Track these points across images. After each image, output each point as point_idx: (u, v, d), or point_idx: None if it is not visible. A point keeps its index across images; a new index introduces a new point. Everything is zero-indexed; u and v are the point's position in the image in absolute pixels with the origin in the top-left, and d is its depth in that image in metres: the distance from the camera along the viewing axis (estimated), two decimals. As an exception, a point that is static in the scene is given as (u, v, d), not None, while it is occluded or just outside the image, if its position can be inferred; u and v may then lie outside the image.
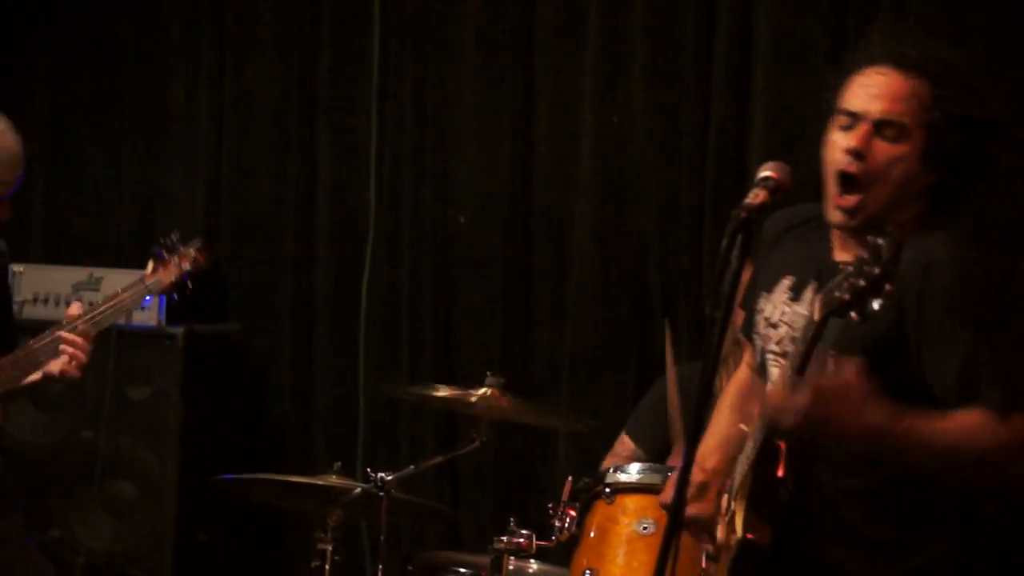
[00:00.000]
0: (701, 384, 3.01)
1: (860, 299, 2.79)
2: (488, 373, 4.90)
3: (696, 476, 3.42)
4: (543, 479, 5.92)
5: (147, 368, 6.06)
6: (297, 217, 6.55)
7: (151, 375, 6.07)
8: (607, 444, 5.28)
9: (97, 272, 6.00)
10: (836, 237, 3.35)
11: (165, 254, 4.53)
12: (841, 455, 3.10)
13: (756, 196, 3.07)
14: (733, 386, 3.64)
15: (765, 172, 3.13)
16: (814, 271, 3.33)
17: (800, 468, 3.17)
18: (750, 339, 3.52)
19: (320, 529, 5.08)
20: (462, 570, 5.01)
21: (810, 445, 3.06)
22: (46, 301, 6.04)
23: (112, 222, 6.72)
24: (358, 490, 4.96)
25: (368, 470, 5.01)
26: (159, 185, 6.73)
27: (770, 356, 3.38)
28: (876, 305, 2.78)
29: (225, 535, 6.23)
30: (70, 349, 4.20)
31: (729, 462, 3.39)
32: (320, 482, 5.04)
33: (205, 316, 6.29)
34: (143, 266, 5.95)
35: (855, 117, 3.26)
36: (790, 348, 3.24)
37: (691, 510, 3.41)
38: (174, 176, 6.72)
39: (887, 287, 2.76)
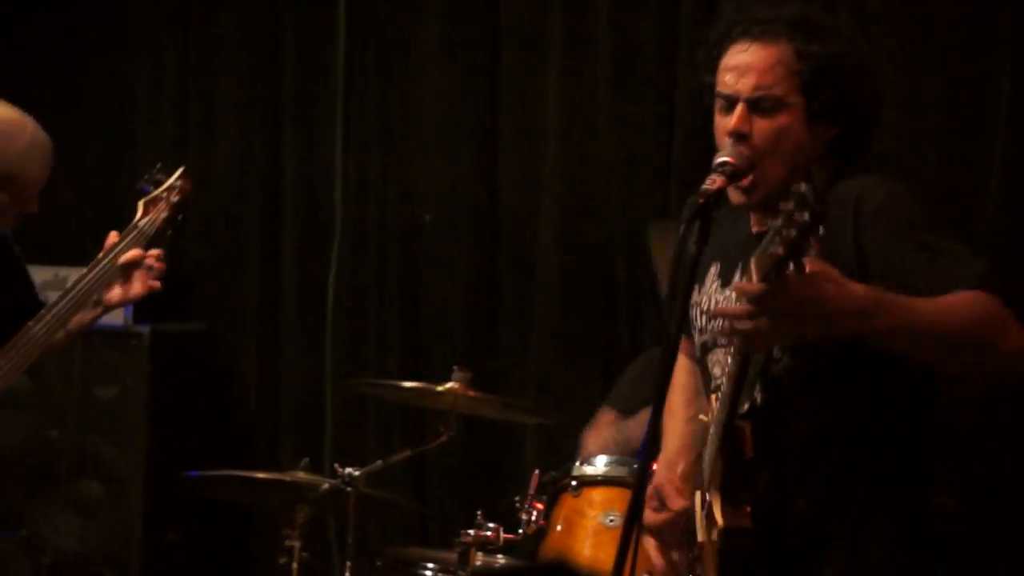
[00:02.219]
0: (660, 368, 3.02)
1: (795, 249, 2.77)
2: (455, 367, 4.91)
3: (668, 488, 3.40)
4: (510, 473, 5.94)
5: (114, 367, 6.06)
6: (263, 216, 6.55)
7: (118, 374, 6.07)
8: (574, 438, 5.30)
9: (62, 271, 5.99)
10: (753, 214, 3.31)
11: (152, 189, 4.43)
12: (832, 334, 2.98)
13: (713, 182, 3.07)
14: (677, 389, 3.57)
15: (722, 158, 3.13)
16: (737, 252, 3.29)
17: (767, 441, 3.14)
18: (688, 335, 3.47)
19: (288, 526, 5.08)
20: (430, 565, 5.02)
21: (797, 331, 2.96)
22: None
23: (75, 222, 6.70)
24: (326, 486, 4.96)
25: (336, 466, 5.02)
26: (122, 185, 6.71)
27: (720, 347, 3.31)
28: (812, 252, 2.77)
29: (193, 533, 6.24)
30: (145, 261, 4.15)
31: (695, 461, 3.36)
32: (288, 478, 5.04)
33: (171, 315, 6.29)
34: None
35: (729, 99, 3.21)
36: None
37: (656, 520, 3.40)
38: (138, 175, 6.70)
39: (819, 229, 2.74)
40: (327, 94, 6.42)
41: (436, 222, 6.25)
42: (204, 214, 6.62)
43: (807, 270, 2.86)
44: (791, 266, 2.80)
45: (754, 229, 3.29)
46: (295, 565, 5.03)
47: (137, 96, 6.75)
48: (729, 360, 3.15)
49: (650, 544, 3.43)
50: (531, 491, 4.76)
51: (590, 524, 4.63)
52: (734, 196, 3.20)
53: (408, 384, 5.12)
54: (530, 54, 6.12)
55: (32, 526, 6.03)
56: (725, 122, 3.21)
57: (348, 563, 4.99)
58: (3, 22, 6.81)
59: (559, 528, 4.69)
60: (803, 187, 2.73)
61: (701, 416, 3.36)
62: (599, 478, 4.73)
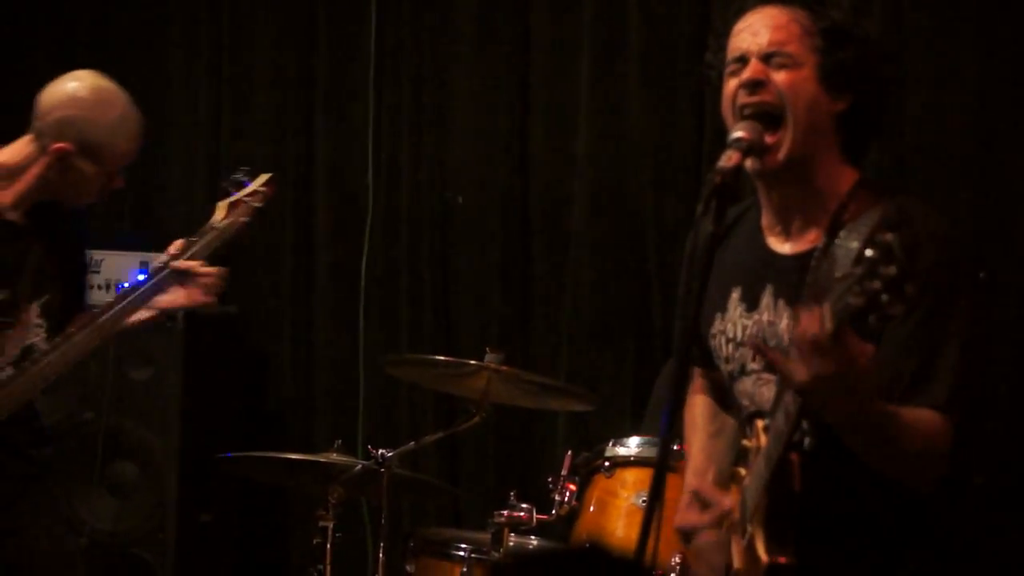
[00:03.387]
0: (680, 351, 2.98)
1: (877, 303, 2.56)
2: (487, 349, 4.91)
3: (708, 491, 3.34)
4: (543, 454, 5.94)
5: (148, 350, 6.08)
6: (296, 199, 6.57)
7: (152, 356, 6.09)
8: (605, 418, 5.30)
9: (98, 255, 6.02)
10: (765, 227, 3.23)
11: (235, 192, 4.44)
12: (837, 421, 2.95)
13: (729, 158, 2.99)
14: (698, 404, 3.53)
15: (737, 133, 3.06)
16: (760, 272, 3.21)
17: (816, 479, 3.07)
18: (705, 364, 3.40)
19: (321, 507, 5.10)
20: (463, 546, 5.02)
21: (816, 401, 2.89)
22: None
23: (112, 206, 6.72)
24: (359, 467, 4.98)
25: (368, 447, 5.04)
26: (158, 169, 6.75)
27: (751, 376, 3.24)
28: (895, 310, 2.56)
29: (227, 514, 6.26)
30: (202, 278, 4.18)
31: (723, 473, 3.31)
32: (321, 460, 5.06)
33: (205, 297, 6.31)
34: (143, 248, 6.05)
35: (742, 59, 3.15)
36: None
37: (691, 521, 3.36)
38: (173, 160, 6.75)
39: (907, 290, 2.54)
40: (360, 77, 6.44)
41: (468, 204, 6.26)
42: (238, 197, 6.64)
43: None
44: (869, 320, 2.61)
45: (771, 244, 3.22)
46: (329, 546, 5.04)
47: (171, 80, 6.78)
48: (779, 396, 3.05)
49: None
50: (564, 472, 4.76)
51: (623, 504, 4.64)
52: (753, 165, 3.10)
53: (442, 359, 5.12)
54: (562, 36, 6.11)
55: (68, 508, 6.05)
56: (732, 84, 3.15)
57: (381, 544, 5.00)
58: (42, 16, 6.84)
59: (592, 509, 4.69)
60: (889, 237, 2.55)
61: (744, 442, 3.25)
62: (632, 459, 4.73)
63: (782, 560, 3.02)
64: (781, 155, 3.10)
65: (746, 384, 3.24)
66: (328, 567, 5.04)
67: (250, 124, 6.65)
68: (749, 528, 3.10)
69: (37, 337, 4.13)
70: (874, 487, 3.10)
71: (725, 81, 3.18)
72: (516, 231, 6.19)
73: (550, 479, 4.78)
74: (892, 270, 2.54)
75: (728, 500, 3.26)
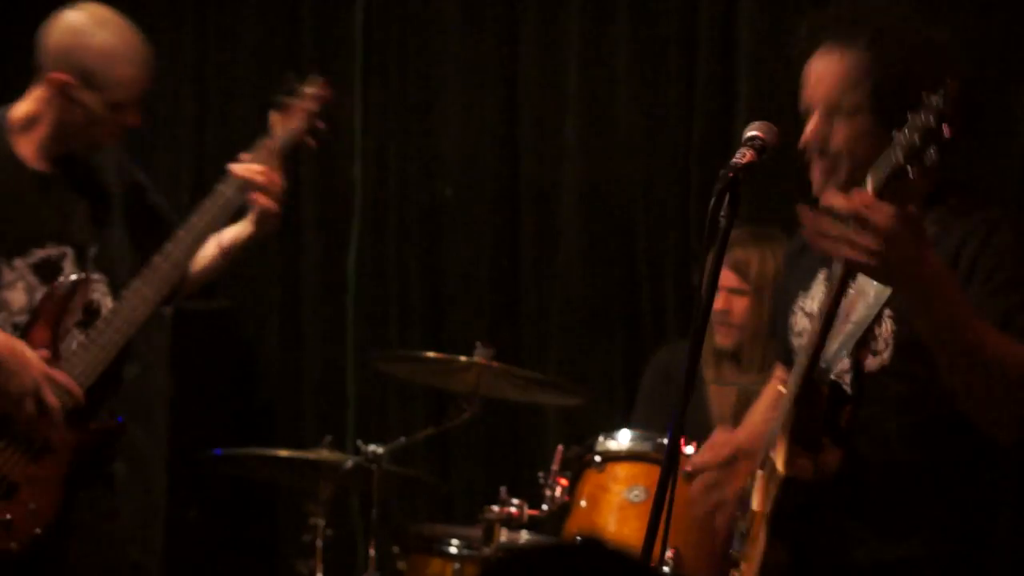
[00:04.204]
0: (692, 342, 2.99)
1: (916, 154, 2.70)
2: (478, 343, 4.90)
3: (718, 437, 3.41)
4: (533, 449, 5.93)
5: (135, 346, 6.02)
6: (283, 192, 6.53)
7: (139, 353, 6.04)
8: (596, 413, 5.28)
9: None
10: None
11: (285, 100, 4.37)
12: (915, 292, 2.91)
13: (743, 156, 3.04)
14: (769, 394, 3.56)
15: (752, 132, 3.10)
16: None
17: (847, 427, 3.12)
18: (787, 360, 3.42)
19: (312, 503, 5.09)
20: (454, 542, 5.01)
21: (885, 269, 2.87)
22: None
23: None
24: (350, 463, 4.97)
25: (359, 443, 5.02)
26: (144, 165, 6.70)
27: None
28: (934, 153, 2.68)
29: (216, 511, 6.24)
30: (258, 178, 4.10)
31: (762, 450, 3.31)
32: (312, 456, 5.04)
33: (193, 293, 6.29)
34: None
35: (807, 108, 3.22)
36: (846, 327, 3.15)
37: (702, 460, 3.39)
38: (159, 154, 6.71)
39: (944, 131, 2.66)
40: (346, 68, 6.40)
41: (457, 196, 6.23)
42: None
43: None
44: (910, 174, 2.74)
45: None
46: (319, 542, 5.04)
47: (156, 70, 6.72)
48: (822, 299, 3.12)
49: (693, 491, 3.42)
50: (555, 467, 4.75)
51: (615, 499, 4.61)
52: (817, 183, 3.18)
53: (432, 355, 5.11)
54: (550, 26, 6.09)
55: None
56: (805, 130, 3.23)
57: (373, 540, 4.99)
58: (23, 15, 6.79)
59: (583, 504, 4.67)
60: (933, 96, 2.69)
61: (780, 388, 3.33)
62: (623, 453, 4.71)
63: (801, 476, 3.09)
64: (839, 178, 3.16)
65: None
66: (319, 564, 5.04)
67: (235, 117, 6.61)
68: (772, 455, 3.16)
69: (97, 292, 4.05)
70: (945, 428, 3.11)
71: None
72: (505, 223, 6.17)
73: (541, 474, 4.77)
74: (931, 120, 2.67)
75: (742, 436, 3.37)
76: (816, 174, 3.19)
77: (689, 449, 4.28)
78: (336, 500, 5.17)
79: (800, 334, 3.33)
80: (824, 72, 3.19)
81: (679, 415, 2.99)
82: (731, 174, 2.99)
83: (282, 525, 6.37)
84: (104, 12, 4.05)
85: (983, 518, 3.20)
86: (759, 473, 3.27)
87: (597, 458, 4.72)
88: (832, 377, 3.15)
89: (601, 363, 5.90)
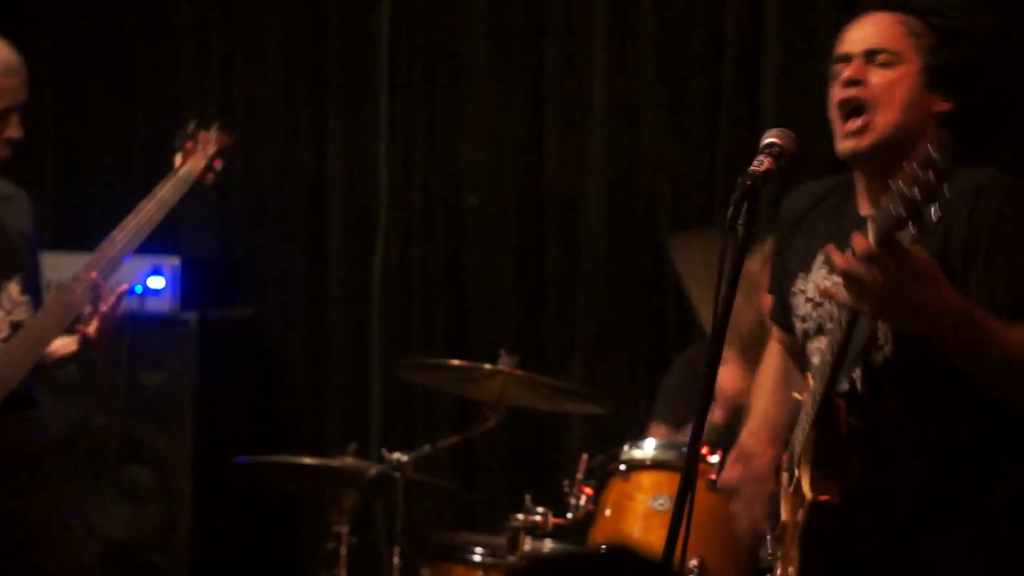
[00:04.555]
0: (708, 359, 2.98)
1: (916, 210, 2.70)
2: (502, 351, 4.90)
3: (754, 447, 3.40)
4: (557, 457, 5.91)
5: (161, 354, 6.07)
6: (309, 201, 6.55)
7: (165, 361, 6.08)
8: (620, 421, 5.27)
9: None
10: (861, 194, 3.26)
11: (188, 144, 4.54)
12: (918, 330, 2.99)
13: (761, 163, 3.03)
14: (768, 370, 3.56)
15: (769, 139, 3.08)
16: (847, 237, 3.21)
17: (865, 423, 3.11)
18: (786, 325, 3.44)
19: (336, 511, 5.09)
20: (479, 550, 5.01)
21: (889, 314, 2.97)
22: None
23: (124, 209, 6.71)
24: (374, 471, 4.97)
25: (383, 451, 5.02)
26: (165, 172, 6.72)
27: (823, 335, 3.27)
28: (934, 213, 2.69)
29: (241, 519, 6.24)
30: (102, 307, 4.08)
31: (778, 440, 3.34)
32: (336, 464, 5.05)
33: (218, 301, 6.31)
34: (155, 253, 6.05)
35: (845, 58, 3.20)
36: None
37: (734, 476, 3.39)
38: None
39: (944, 189, 2.67)
40: (372, 77, 6.41)
41: (482, 204, 6.23)
42: (250, 200, 6.64)
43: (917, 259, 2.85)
44: (911, 229, 2.74)
45: (862, 212, 3.24)
46: (343, 550, 5.04)
47: (180, 79, 6.76)
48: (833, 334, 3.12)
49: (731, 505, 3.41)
50: (579, 475, 4.74)
51: (639, 508, 4.60)
52: (845, 145, 3.17)
53: (457, 363, 5.11)
54: (576, 36, 6.08)
55: (81, 513, 6.04)
56: (834, 90, 3.20)
57: (397, 548, 4.99)
58: (49, 18, 6.83)
59: (608, 512, 4.66)
60: (930, 148, 2.69)
61: (795, 394, 3.32)
62: (648, 462, 4.70)
63: (826, 498, 3.08)
64: (867, 142, 3.16)
65: (820, 343, 3.26)
66: (343, 572, 5.04)
67: (261, 126, 6.62)
68: (796, 471, 3.14)
69: (24, 314, 4.09)
70: (964, 404, 3.12)
71: (831, 86, 3.23)
72: (530, 232, 6.16)
73: (566, 482, 4.76)
74: (930, 176, 2.66)
75: (769, 456, 3.34)
76: (841, 131, 3.16)
77: (714, 458, 4.27)
78: (360, 508, 5.17)
79: (804, 319, 3.32)
80: (871, 25, 3.20)
81: (698, 425, 2.98)
82: (749, 182, 2.98)
83: (306, 533, 6.36)
84: None
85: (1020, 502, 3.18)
86: (783, 478, 3.25)
87: (622, 467, 4.71)
88: (846, 387, 3.14)
89: (625, 372, 5.89)
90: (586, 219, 6.04)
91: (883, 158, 3.13)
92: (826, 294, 3.13)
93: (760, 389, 3.57)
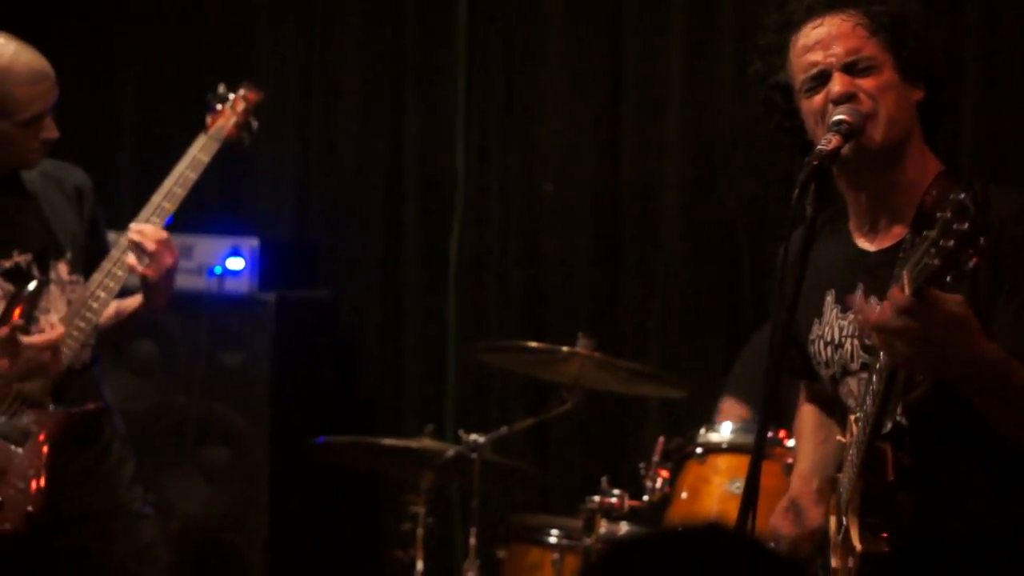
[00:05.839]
0: (777, 335, 2.96)
1: (953, 261, 2.62)
2: (579, 334, 4.90)
3: (805, 500, 3.34)
4: (633, 440, 5.92)
5: (239, 334, 6.10)
6: (386, 184, 6.58)
7: (243, 341, 6.11)
8: (697, 404, 5.27)
9: (188, 240, 6.03)
10: (853, 229, 3.19)
11: (217, 105, 4.59)
12: (953, 381, 2.94)
13: (829, 142, 2.97)
14: (807, 413, 3.51)
15: (838, 115, 3.02)
16: (851, 273, 3.17)
17: (911, 464, 3.04)
18: (812, 375, 3.35)
19: (412, 492, 5.10)
20: (554, 532, 5.02)
21: (922, 366, 2.91)
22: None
23: (201, 192, 6.75)
24: (451, 453, 4.98)
25: (460, 433, 5.04)
26: (247, 155, 6.76)
27: (854, 375, 3.19)
28: (971, 264, 2.63)
29: (317, 499, 6.28)
30: (139, 242, 4.13)
31: (827, 486, 3.28)
32: (414, 445, 5.06)
33: (296, 282, 6.34)
34: (234, 233, 6.09)
35: (822, 74, 3.09)
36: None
37: (783, 527, 3.33)
38: (262, 145, 6.75)
39: (981, 241, 2.61)
40: (449, 62, 6.42)
41: (559, 189, 6.24)
42: (328, 182, 6.67)
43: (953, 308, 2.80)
44: (947, 279, 2.68)
45: (860, 244, 3.18)
46: (420, 531, 5.06)
47: (261, 65, 6.79)
48: (869, 381, 3.04)
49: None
50: (656, 458, 4.75)
51: (716, 491, 4.61)
52: (849, 150, 3.05)
53: (534, 345, 5.12)
54: (653, 21, 6.08)
55: (159, 493, 6.07)
56: (818, 100, 3.09)
57: (473, 529, 5.00)
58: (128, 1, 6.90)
59: (684, 495, 4.67)
60: (963, 196, 2.62)
61: (839, 437, 3.24)
62: (724, 445, 4.71)
63: (876, 549, 3.00)
64: (877, 141, 3.07)
65: (851, 384, 3.20)
66: (419, 552, 5.06)
67: (339, 109, 6.65)
68: (844, 520, 3.08)
69: (75, 293, 4.17)
70: (972, 467, 3.07)
71: (803, 100, 3.13)
72: (606, 215, 6.17)
73: (642, 465, 4.77)
74: (965, 226, 2.59)
75: (819, 514, 3.26)
76: (836, 142, 3.02)
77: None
78: (436, 489, 5.18)
79: (827, 364, 3.24)
80: (835, 32, 3.09)
81: (766, 409, 2.96)
82: (816, 162, 2.93)
83: (382, 513, 6.38)
84: None
85: None
86: (832, 522, 3.19)
87: (698, 450, 4.71)
88: (890, 427, 3.05)
89: (702, 354, 5.89)
90: (662, 202, 6.04)
91: (885, 159, 3.07)
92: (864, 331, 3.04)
93: (803, 430, 3.52)
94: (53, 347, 4.01)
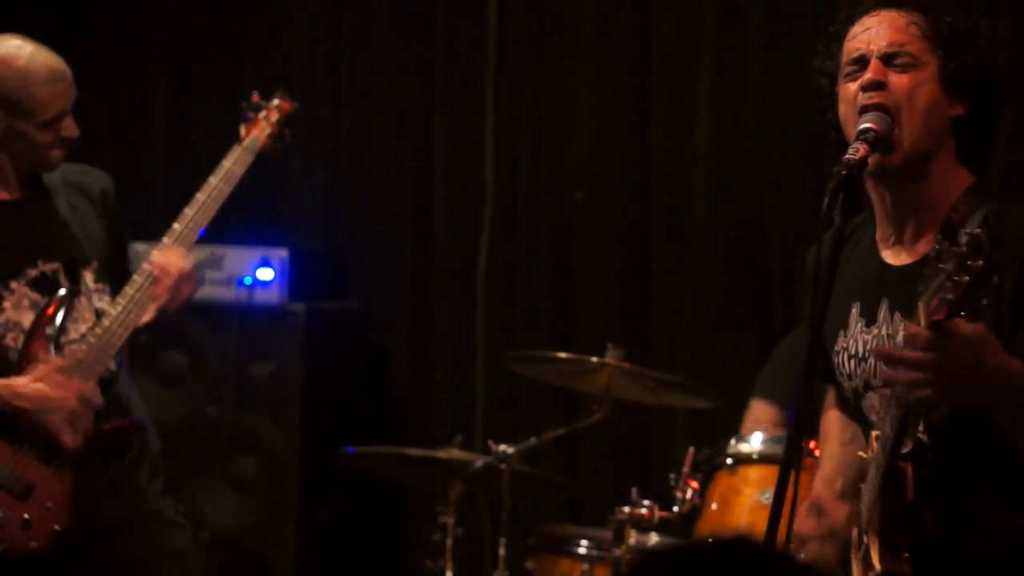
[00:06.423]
0: (809, 344, 2.96)
1: (969, 296, 2.65)
2: (609, 344, 4.90)
3: (828, 501, 3.34)
4: (663, 451, 5.91)
5: (269, 345, 6.11)
6: (415, 194, 6.58)
7: (273, 351, 6.12)
8: (727, 415, 5.26)
9: (219, 250, 6.05)
10: (879, 240, 3.17)
11: (251, 114, 4.62)
12: (984, 405, 2.91)
13: (857, 151, 2.96)
14: (831, 423, 3.49)
15: (865, 124, 3.01)
16: (876, 286, 3.16)
17: (931, 485, 3.03)
18: (835, 382, 3.34)
19: (441, 502, 5.10)
20: (584, 543, 5.01)
21: (951, 390, 2.87)
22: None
23: (231, 202, 6.76)
24: (480, 463, 4.98)
25: (490, 443, 5.04)
26: (278, 165, 6.77)
27: (876, 391, 3.17)
28: (985, 301, 2.65)
29: (347, 509, 6.28)
30: (159, 277, 4.19)
31: (849, 488, 3.28)
32: (443, 455, 5.07)
33: (326, 292, 6.35)
34: (264, 243, 6.10)
35: (861, 60, 3.09)
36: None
37: (806, 529, 3.31)
38: (293, 156, 6.76)
39: (994, 280, 2.63)
40: (479, 71, 6.43)
41: (587, 199, 6.23)
42: (357, 193, 6.67)
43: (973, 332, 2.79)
44: (962, 314, 2.69)
45: (885, 257, 3.16)
46: (449, 541, 5.06)
47: (290, 74, 6.80)
48: (891, 397, 3.02)
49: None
50: (686, 469, 4.74)
51: (746, 502, 4.60)
52: (873, 161, 3.03)
53: (563, 355, 5.12)
54: (682, 28, 6.07)
55: (190, 502, 6.09)
56: (853, 87, 3.09)
57: (502, 539, 5.00)
58: (162, 11, 6.91)
59: (715, 506, 4.66)
60: (978, 231, 2.63)
61: (860, 453, 3.22)
62: (755, 456, 4.70)
63: (896, 570, 3.00)
64: (895, 160, 3.05)
65: (872, 400, 3.18)
66: (448, 563, 5.06)
67: (369, 119, 6.66)
68: (865, 539, 3.07)
69: (102, 302, 4.20)
70: (995, 488, 3.05)
71: (841, 85, 3.14)
72: (636, 225, 6.16)
73: (672, 476, 4.76)
74: (979, 264, 2.62)
75: (843, 513, 3.25)
76: (862, 152, 3.00)
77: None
78: (466, 499, 5.18)
79: (850, 377, 3.22)
80: (885, 25, 3.09)
81: (800, 413, 2.95)
82: (844, 171, 2.92)
83: (412, 523, 6.39)
84: (5, 41, 4.16)
85: None
86: (854, 534, 3.17)
87: (728, 460, 4.70)
88: (910, 447, 3.05)
89: (732, 365, 5.87)
90: (692, 212, 6.03)
91: (910, 171, 3.05)
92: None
93: (828, 432, 3.49)
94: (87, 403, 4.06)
